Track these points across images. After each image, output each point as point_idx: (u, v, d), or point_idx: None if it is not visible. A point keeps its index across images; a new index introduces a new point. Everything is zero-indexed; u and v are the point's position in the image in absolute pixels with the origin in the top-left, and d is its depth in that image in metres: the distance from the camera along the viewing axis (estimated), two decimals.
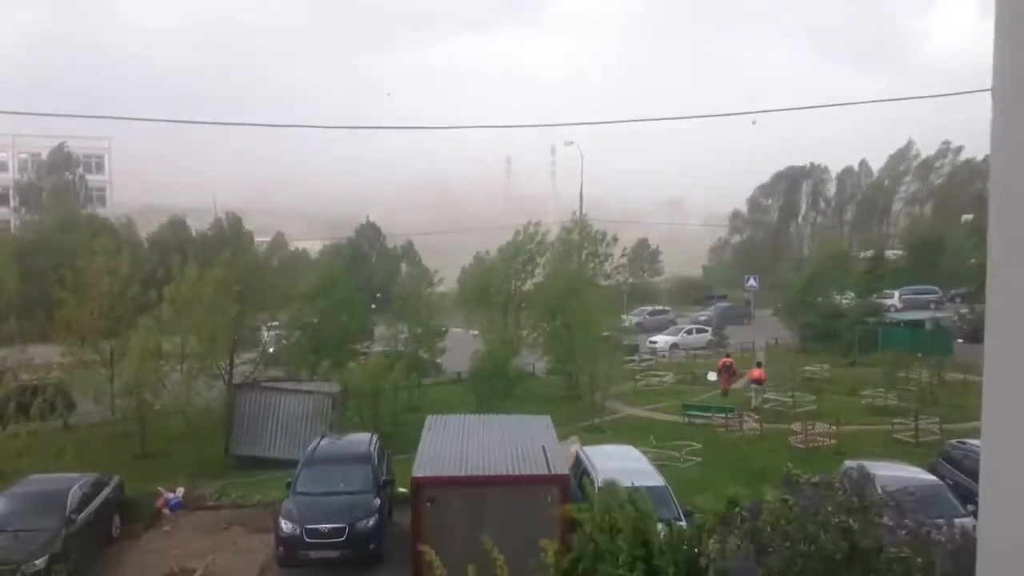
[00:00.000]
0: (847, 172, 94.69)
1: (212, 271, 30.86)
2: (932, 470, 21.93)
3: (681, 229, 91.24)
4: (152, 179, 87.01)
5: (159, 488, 24.17)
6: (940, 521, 9.55)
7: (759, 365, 36.96)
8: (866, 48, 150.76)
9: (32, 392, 26.73)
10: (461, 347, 37.68)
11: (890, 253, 68.72)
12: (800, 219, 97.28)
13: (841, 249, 58.72)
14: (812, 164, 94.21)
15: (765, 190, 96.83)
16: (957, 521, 9.59)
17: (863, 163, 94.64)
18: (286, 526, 19.38)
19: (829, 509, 9.42)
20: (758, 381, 35.40)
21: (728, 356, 41.62)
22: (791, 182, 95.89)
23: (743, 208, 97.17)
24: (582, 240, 46.53)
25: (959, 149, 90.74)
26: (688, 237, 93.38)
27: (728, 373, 38.15)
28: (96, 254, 31.64)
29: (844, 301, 51.07)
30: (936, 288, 63.20)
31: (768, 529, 9.44)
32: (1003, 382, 2.14)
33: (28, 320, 35.21)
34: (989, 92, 2.04)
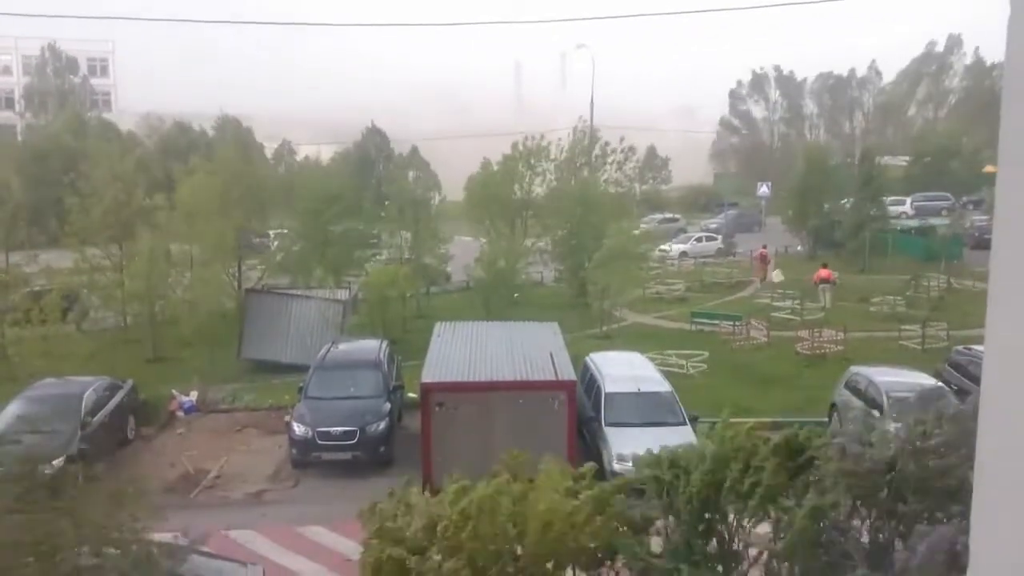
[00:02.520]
0: (864, 75, 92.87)
1: (210, 177, 30.70)
2: (937, 376, 22.08)
3: (693, 136, 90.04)
4: (156, 83, 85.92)
5: (173, 391, 24.53)
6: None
7: (824, 266, 37.67)
8: None
9: (44, 297, 26.90)
10: (471, 256, 37.60)
11: (888, 159, 67.51)
12: (813, 124, 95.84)
13: (826, 157, 57.45)
14: (827, 69, 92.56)
15: (779, 93, 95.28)
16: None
17: (876, 65, 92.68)
18: (299, 429, 19.76)
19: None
20: (826, 280, 36.10)
21: (764, 247, 44.05)
22: (808, 85, 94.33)
23: (756, 112, 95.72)
24: (590, 145, 46.19)
25: (976, 50, 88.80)
26: (701, 144, 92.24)
27: (763, 263, 42.02)
28: (103, 158, 31.46)
29: (845, 207, 50.25)
30: (948, 195, 62.63)
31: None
32: (1008, 287, 2.11)
33: (38, 226, 35.31)
34: None
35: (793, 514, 9.18)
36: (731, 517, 9.67)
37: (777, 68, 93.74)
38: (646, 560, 9.64)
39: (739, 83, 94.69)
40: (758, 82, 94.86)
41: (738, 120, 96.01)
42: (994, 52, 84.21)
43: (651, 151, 76.37)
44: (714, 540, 9.78)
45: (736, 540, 9.80)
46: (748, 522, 9.71)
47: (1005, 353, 2.11)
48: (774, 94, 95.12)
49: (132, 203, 30.96)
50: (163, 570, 9.84)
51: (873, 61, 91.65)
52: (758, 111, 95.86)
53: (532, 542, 9.09)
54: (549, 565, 9.27)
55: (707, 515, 9.58)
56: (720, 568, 9.57)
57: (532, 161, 43.39)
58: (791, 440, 9.74)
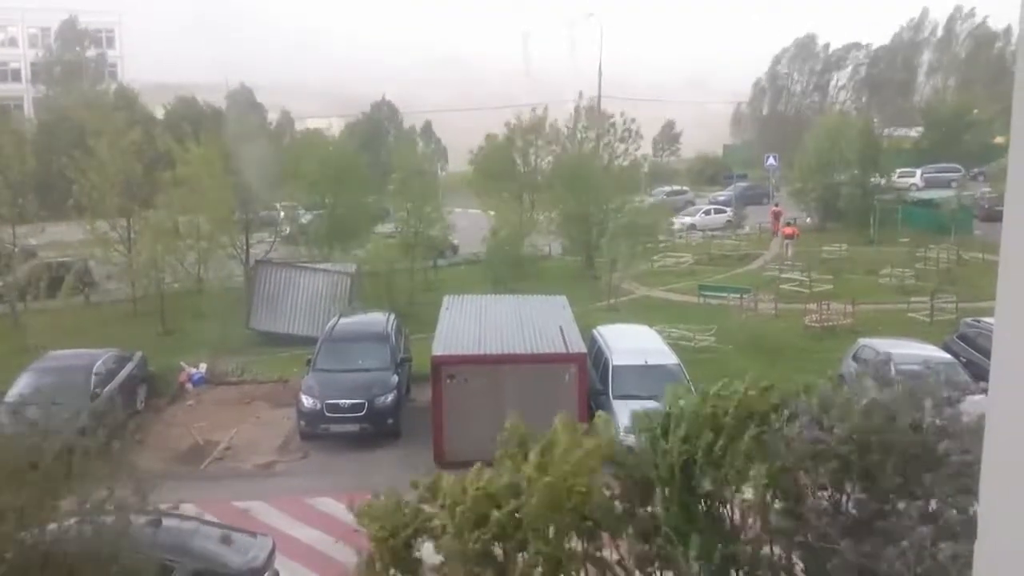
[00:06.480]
0: (875, 47, 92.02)
1: (208, 152, 30.66)
2: (946, 348, 22.05)
3: (704, 107, 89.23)
4: (163, 54, 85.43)
5: (182, 363, 24.63)
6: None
7: (789, 224, 42.65)
8: None
9: (53, 270, 26.96)
10: (479, 229, 37.55)
11: (891, 131, 66.90)
12: (825, 96, 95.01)
13: (838, 128, 56.70)
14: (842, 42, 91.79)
15: (787, 66, 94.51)
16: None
17: (896, 35, 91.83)
18: (307, 401, 19.85)
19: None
20: (790, 236, 40.89)
21: (777, 204, 48.12)
22: (817, 57, 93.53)
23: (769, 83, 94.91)
24: (600, 120, 46.08)
25: (984, 17, 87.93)
26: (712, 115, 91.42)
27: (777, 220, 45.28)
28: (107, 132, 31.38)
29: (842, 179, 49.65)
30: (959, 166, 62.07)
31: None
32: (1019, 259, 2.08)
33: (46, 199, 35.30)
34: None
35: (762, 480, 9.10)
36: (712, 486, 9.54)
37: (785, 44, 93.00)
38: (646, 531, 9.68)
39: (754, 53, 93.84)
40: (774, 52, 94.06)
41: (750, 91, 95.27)
42: (1000, 20, 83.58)
43: (669, 124, 76.02)
44: (707, 508, 9.71)
45: (724, 507, 9.76)
46: (732, 489, 9.62)
47: (1015, 325, 2.09)
48: (789, 65, 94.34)
49: (136, 177, 30.91)
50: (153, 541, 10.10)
51: (896, 32, 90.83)
52: (772, 82, 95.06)
53: (533, 510, 9.15)
54: (551, 532, 9.31)
55: (693, 483, 9.52)
56: (718, 536, 9.55)
57: (535, 134, 43.18)
58: (745, 401, 9.59)
